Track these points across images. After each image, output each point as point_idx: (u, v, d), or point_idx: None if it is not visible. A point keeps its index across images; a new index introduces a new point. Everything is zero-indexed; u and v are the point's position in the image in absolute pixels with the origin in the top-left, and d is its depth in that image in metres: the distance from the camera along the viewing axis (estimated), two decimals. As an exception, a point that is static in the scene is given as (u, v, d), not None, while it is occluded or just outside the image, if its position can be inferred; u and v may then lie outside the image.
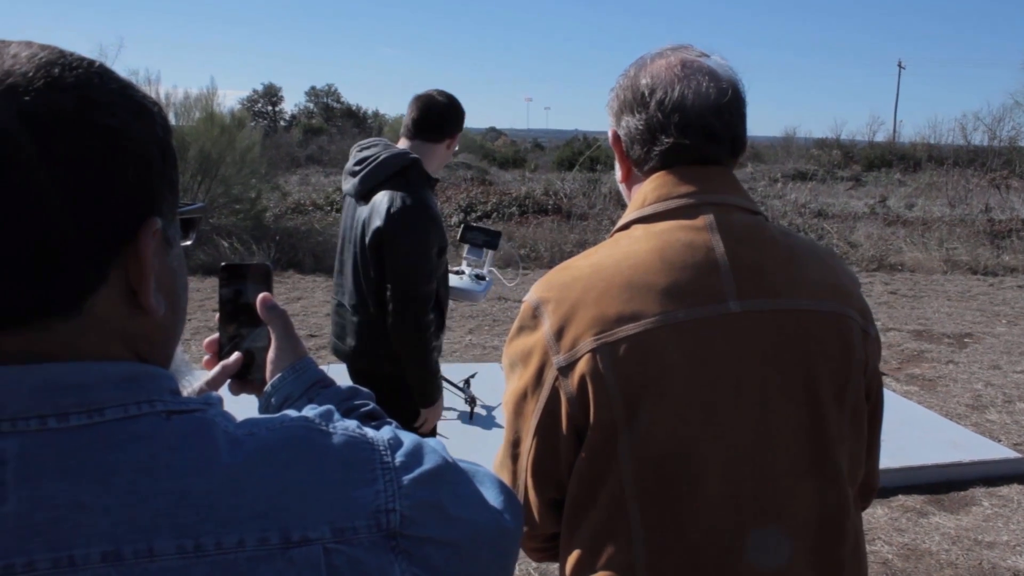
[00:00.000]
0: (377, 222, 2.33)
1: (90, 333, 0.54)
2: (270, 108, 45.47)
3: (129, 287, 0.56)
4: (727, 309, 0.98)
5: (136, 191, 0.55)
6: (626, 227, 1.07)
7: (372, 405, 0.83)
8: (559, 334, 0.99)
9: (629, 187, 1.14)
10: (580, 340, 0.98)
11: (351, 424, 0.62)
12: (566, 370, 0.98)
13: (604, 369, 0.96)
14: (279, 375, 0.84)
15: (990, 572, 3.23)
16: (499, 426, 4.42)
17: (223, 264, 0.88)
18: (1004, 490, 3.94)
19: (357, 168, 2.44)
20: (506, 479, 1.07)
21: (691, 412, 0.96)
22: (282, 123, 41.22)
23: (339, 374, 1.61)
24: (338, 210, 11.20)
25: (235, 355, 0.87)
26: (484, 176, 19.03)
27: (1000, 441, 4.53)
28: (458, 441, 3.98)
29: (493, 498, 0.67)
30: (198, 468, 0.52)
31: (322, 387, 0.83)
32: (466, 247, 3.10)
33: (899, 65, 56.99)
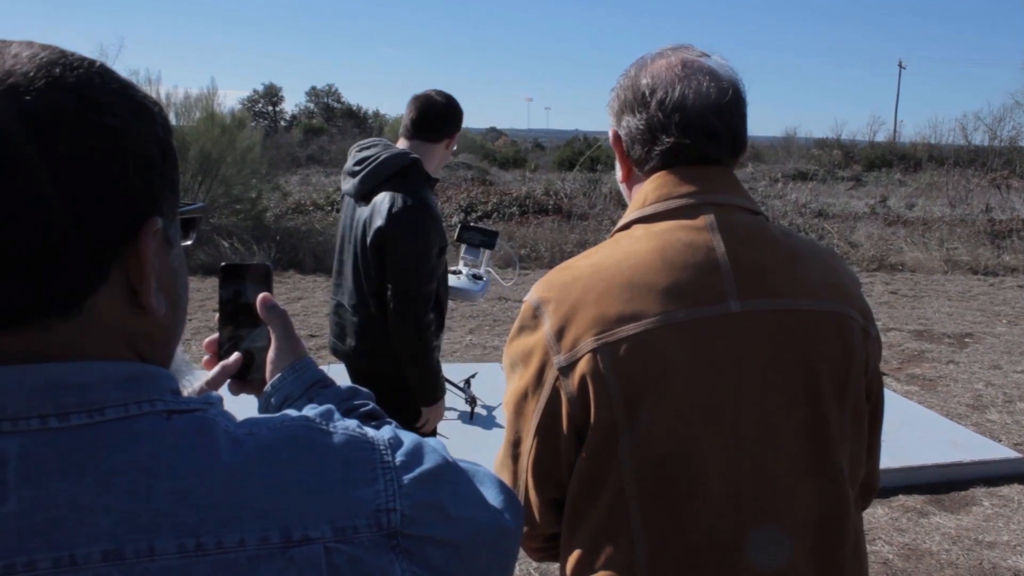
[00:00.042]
0: (379, 222, 2.33)
1: (91, 333, 0.54)
2: (270, 108, 45.49)
3: (130, 287, 0.56)
4: (728, 309, 0.98)
5: (137, 191, 0.55)
6: (627, 227, 1.07)
7: (372, 405, 0.83)
8: (560, 334, 0.99)
9: (630, 187, 1.14)
10: (581, 340, 0.98)
11: (351, 424, 0.62)
12: (567, 370, 0.98)
13: (605, 369, 0.96)
14: (279, 375, 0.84)
15: (990, 572, 3.23)
16: (499, 426, 4.42)
17: (223, 264, 0.88)
18: (1004, 490, 3.94)
19: (357, 168, 2.44)
20: (507, 479, 1.07)
21: (691, 412, 0.96)
22: (282, 123, 41.23)
23: (339, 374, 1.61)
24: (338, 210, 11.25)
25: (235, 355, 0.87)
26: (484, 176, 19.03)
27: (1000, 441, 4.53)
28: (458, 441, 3.98)
29: (493, 498, 0.68)
30: (199, 467, 0.52)
31: (322, 387, 0.83)
32: (463, 247, 3.11)
33: (899, 65, 57.02)
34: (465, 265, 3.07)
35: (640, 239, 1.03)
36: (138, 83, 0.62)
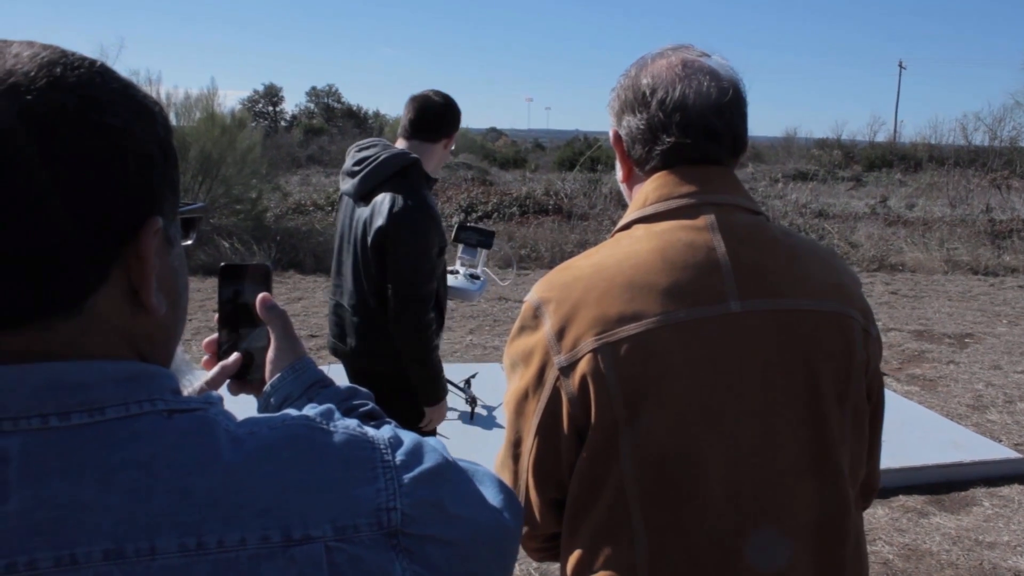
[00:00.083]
0: (379, 222, 2.33)
1: (91, 332, 0.54)
2: (271, 108, 45.50)
3: (130, 286, 0.56)
4: (728, 309, 0.98)
5: (137, 191, 0.55)
6: (627, 227, 1.07)
7: (371, 405, 0.83)
8: (560, 334, 0.99)
9: (630, 187, 1.14)
10: (581, 340, 0.98)
11: (352, 423, 0.62)
12: (567, 370, 0.98)
13: (605, 369, 0.96)
14: (278, 375, 0.84)
15: (991, 572, 3.23)
16: (500, 426, 4.42)
17: (222, 264, 0.88)
18: (1005, 490, 3.94)
19: (356, 168, 2.45)
20: (507, 479, 1.07)
21: (692, 412, 0.96)
22: (283, 123, 41.24)
23: (339, 374, 1.61)
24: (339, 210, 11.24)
25: (234, 355, 0.87)
26: (485, 176, 19.03)
27: (1001, 441, 4.53)
28: (458, 441, 3.98)
29: (493, 497, 0.68)
30: (199, 466, 0.52)
31: (321, 387, 0.83)
32: (460, 247, 3.11)
33: (900, 65, 57.02)
34: (462, 265, 3.08)
35: (641, 239, 1.03)
36: (138, 83, 0.62)
